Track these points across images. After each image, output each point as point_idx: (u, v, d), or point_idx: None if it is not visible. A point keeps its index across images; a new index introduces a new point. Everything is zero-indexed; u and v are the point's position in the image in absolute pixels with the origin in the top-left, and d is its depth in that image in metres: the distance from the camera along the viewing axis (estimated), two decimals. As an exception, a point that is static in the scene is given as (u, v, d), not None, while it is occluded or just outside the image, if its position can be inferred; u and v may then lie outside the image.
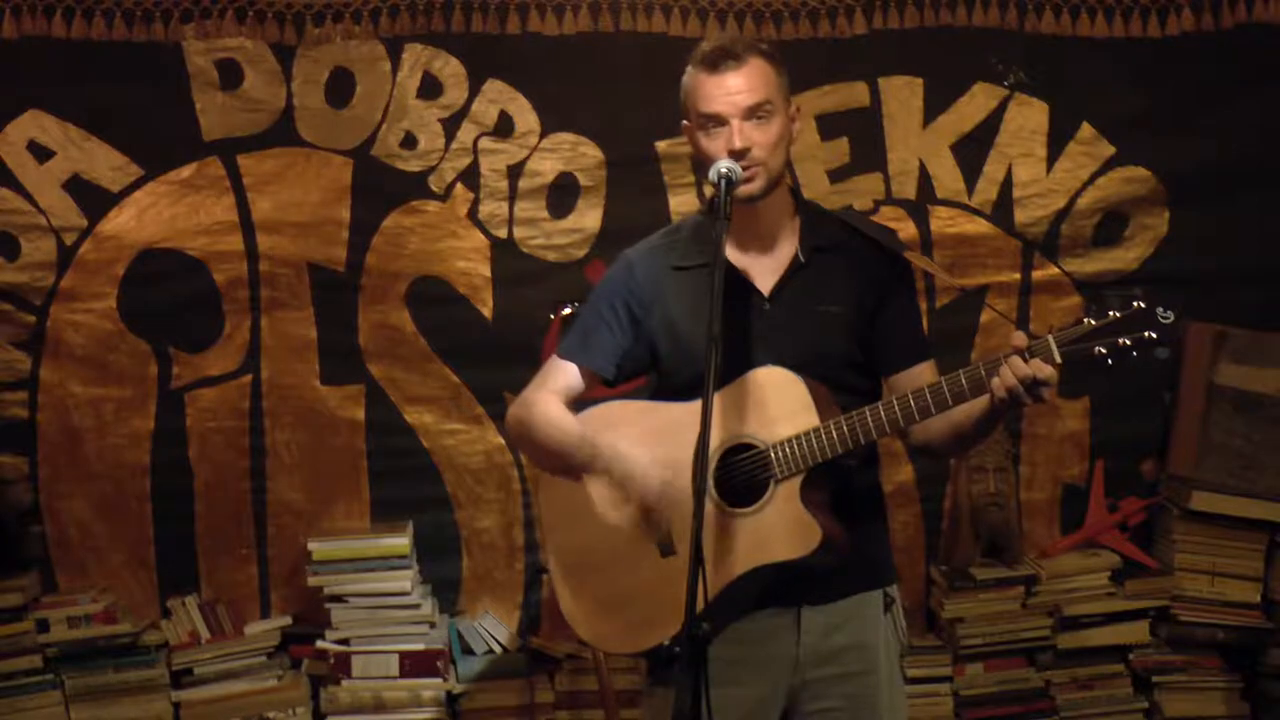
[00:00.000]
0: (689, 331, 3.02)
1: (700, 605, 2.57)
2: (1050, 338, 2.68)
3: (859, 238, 3.10)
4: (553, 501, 3.16)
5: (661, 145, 4.79)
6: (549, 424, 3.08)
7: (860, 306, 3.04)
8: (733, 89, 2.90)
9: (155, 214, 4.74)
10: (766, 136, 2.92)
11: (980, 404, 2.79)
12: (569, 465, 3.06)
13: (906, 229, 4.84)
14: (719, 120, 2.91)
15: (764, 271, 3.04)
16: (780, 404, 2.91)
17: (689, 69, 2.99)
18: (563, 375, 3.14)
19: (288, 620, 4.84)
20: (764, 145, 2.92)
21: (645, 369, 3.15)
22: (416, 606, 4.69)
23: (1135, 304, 2.64)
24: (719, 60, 2.92)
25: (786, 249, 3.06)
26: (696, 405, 2.87)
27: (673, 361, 3.07)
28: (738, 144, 2.88)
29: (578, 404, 3.14)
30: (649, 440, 3.01)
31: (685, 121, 3.01)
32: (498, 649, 4.78)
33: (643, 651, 3.05)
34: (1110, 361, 2.65)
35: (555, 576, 3.15)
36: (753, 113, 2.91)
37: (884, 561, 3.17)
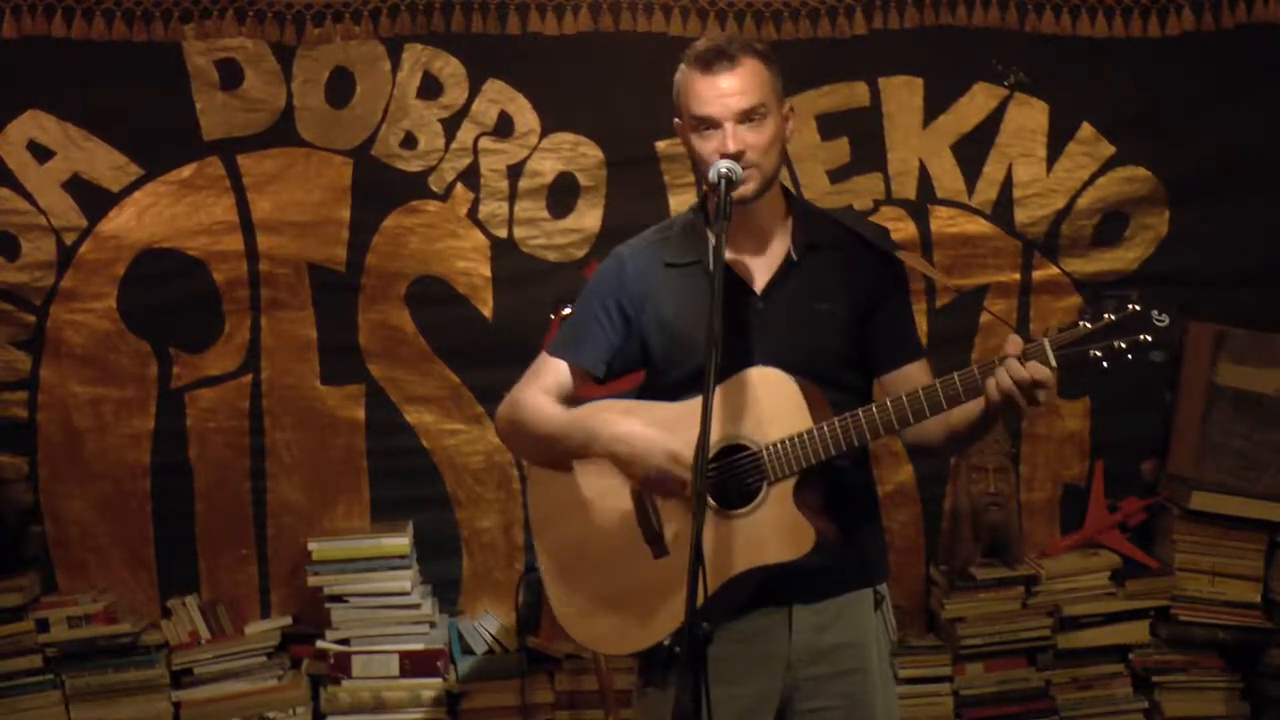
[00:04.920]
0: (681, 329, 3.01)
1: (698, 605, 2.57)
2: (1046, 341, 2.68)
3: (852, 237, 3.09)
4: (542, 502, 3.14)
5: (661, 145, 4.79)
6: (539, 413, 3.07)
7: (853, 305, 3.03)
8: (726, 91, 2.88)
9: (155, 214, 4.75)
10: (760, 138, 2.91)
11: (974, 407, 2.79)
12: (565, 450, 3.05)
13: (906, 229, 4.85)
14: (712, 123, 2.90)
15: (757, 270, 3.03)
16: (773, 405, 2.91)
17: (682, 67, 2.97)
18: (552, 373, 3.12)
19: (288, 620, 4.84)
20: (757, 147, 2.90)
21: (636, 367, 3.14)
22: (416, 606, 4.69)
23: (1131, 307, 2.63)
24: (713, 60, 2.90)
25: (779, 247, 3.05)
26: (687, 405, 2.88)
27: (665, 359, 3.06)
28: (731, 148, 2.87)
29: (568, 402, 3.13)
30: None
31: (676, 120, 3.01)
32: (497, 649, 4.78)
33: (635, 652, 3.04)
34: (1106, 365, 2.64)
35: (546, 577, 3.14)
36: (746, 116, 2.89)
37: (875, 560, 3.16)
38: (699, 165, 2.96)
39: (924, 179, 4.88)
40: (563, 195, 4.84)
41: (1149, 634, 4.83)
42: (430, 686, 4.68)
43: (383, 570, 4.68)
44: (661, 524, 2.97)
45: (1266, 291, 4.88)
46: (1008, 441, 4.90)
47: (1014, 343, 2.69)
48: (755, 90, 2.90)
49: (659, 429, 2.93)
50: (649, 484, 2.94)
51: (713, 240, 2.93)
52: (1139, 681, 4.84)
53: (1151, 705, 4.82)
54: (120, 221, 4.74)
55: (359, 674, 4.67)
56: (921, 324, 4.70)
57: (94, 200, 4.73)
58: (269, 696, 4.72)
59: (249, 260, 4.79)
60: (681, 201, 4.77)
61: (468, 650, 4.78)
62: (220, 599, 4.84)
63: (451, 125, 4.80)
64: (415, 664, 4.66)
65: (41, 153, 4.70)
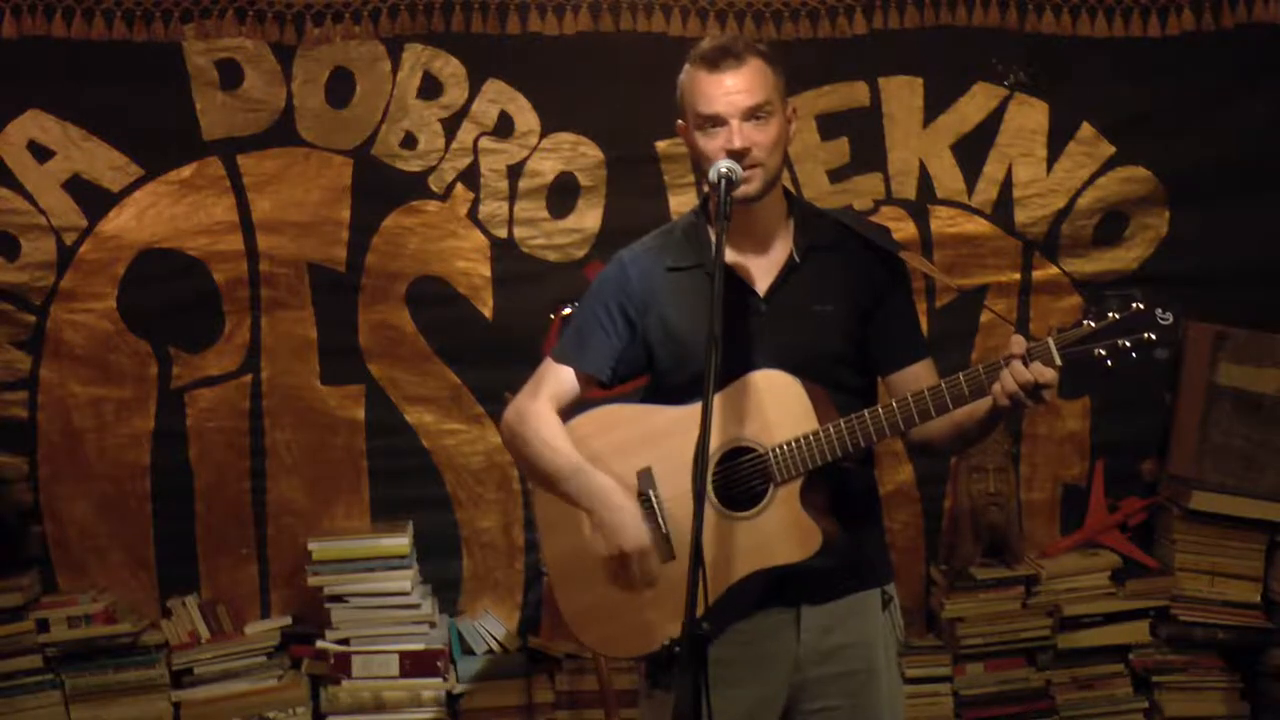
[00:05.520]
0: (685, 332, 3.02)
1: (701, 608, 2.57)
2: (1050, 340, 2.69)
3: (854, 237, 3.10)
4: (550, 504, 3.14)
5: (661, 145, 4.79)
6: (543, 445, 3.08)
7: (856, 306, 3.04)
8: (732, 89, 2.89)
9: (155, 214, 4.74)
10: (765, 137, 2.92)
11: (981, 405, 2.80)
12: (557, 491, 3.08)
13: (906, 229, 4.85)
14: (718, 120, 2.91)
15: (759, 272, 3.04)
16: (779, 407, 2.91)
17: (686, 67, 2.98)
18: (557, 379, 3.13)
19: (288, 620, 4.84)
20: (762, 146, 2.91)
21: (641, 371, 3.14)
22: (416, 606, 4.69)
23: (1135, 305, 2.65)
24: (719, 59, 2.91)
25: (781, 249, 3.06)
26: (691, 409, 2.87)
27: (669, 363, 3.07)
28: (737, 144, 2.88)
29: (574, 407, 3.14)
30: (646, 444, 3.01)
31: (680, 121, 3.01)
32: (498, 649, 4.78)
33: (643, 655, 3.04)
34: (1110, 363, 2.66)
35: (553, 579, 3.15)
36: (752, 113, 2.90)
37: (881, 560, 3.17)
38: (702, 165, 2.96)
39: (924, 179, 4.89)
40: (563, 195, 4.84)
41: (1149, 634, 4.84)
42: (430, 686, 4.67)
43: (382, 570, 4.67)
44: (668, 527, 2.97)
45: (1266, 291, 4.88)
46: (1008, 441, 4.90)
47: (1018, 342, 2.69)
48: (761, 88, 2.91)
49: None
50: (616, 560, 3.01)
51: (713, 240, 2.93)
52: (1139, 681, 4.85)
53: (1151, 705, 4.82)
54: (120, 221, 4.73)
55: (359, 674, 4.66)
56: (922, 324, 4.70)
57: (94, 200, 4.72)
58: (269, 696, 4.71)
59: (249, 260, 4.78)
60: (682, 201, 4.77)
61: (468, 650, 4.79)
62: (220, 599, 4.84)
63: (451, 125, 4.80)
64: (415, 664, 4.66)
65: (41, 153, 4.70)
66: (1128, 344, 2.64)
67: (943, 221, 4.89)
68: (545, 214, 4.84)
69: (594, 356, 3.11)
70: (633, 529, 2.97)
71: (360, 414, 4.87)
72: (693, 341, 2.96)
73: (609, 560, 3.00)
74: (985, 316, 4.89)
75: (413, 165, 4.80)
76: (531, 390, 3.16)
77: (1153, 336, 2.64)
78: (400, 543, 4.70)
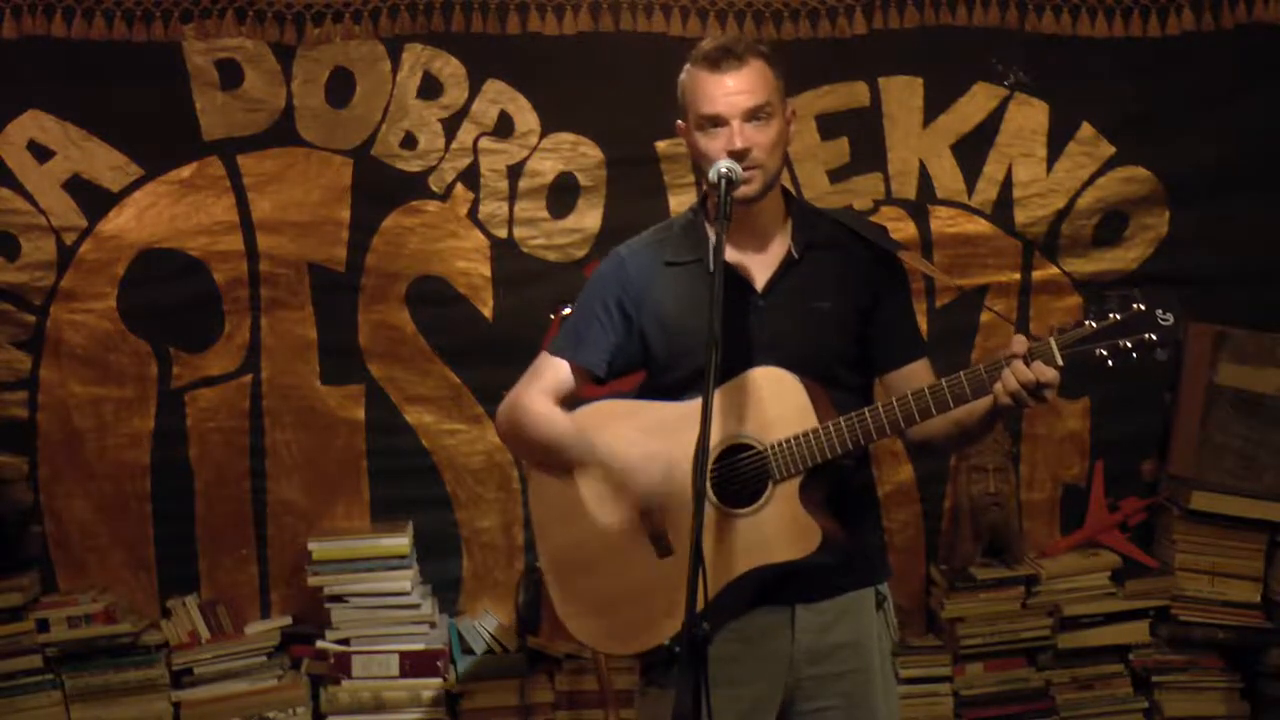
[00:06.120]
0: (682, 328, 3.01)
1: (700, 605, 2.57)
2: (1052, 340, 2.69)
3: (852, 236, 3.10)
4: (544, 501, 3.14)
5: (661, 145, 4.79)
6: (540, 420, 3.09)
7: (854, 303, 3.03)
8: (733, 90, 2.89)
9: (155, 214, 4.74)
10: (765, 138, 2.92)
11: (982, 403, 2.80)
12: (562, 461, 3.07)
13: (906, 229, 4.85)
14: (719, 120, 2.91)
15: (757, 268, 3.03)
16: (778, 404, 2.91)
17: (688, 67, 2.98)
18: (553, 373, 3.13)
19: (288, 620, 4.84)
20: (763, 146, 2.92)
21: (637, 366, 3.14)
22: (416, 606, 4.69)
23: (1135, 306, 2.66)
24: (720, 59, 2.92)
25: (779, 246, 3.05)
26: (689, 405, 2.87)
27: (666, 358, 3.06)
28: (738, 144, 2.88)
29: (569, 403, 3.13)
30: (644, 440, 3.00)
31: (680, 121, 3.01)
32: (497, 649, 4.78)
33: (639, 652, 3.04)
34: (1111, 364, 2.66)
35: (548, 577, 3.14)
36: (753, 115, 2.90)
37: (877, 559, 3.16)
38: (702, 165, 2.96)
39: (924, 179, 4.89)
40: (563, 195, 4.84)
41: (1149, 634, 4.83)
42: (430, 686, 4.67)
43: (382, 570, 4.68)
44: (666, 522, 2.97)
45: (1266, 291, 4.89)
46: (1008, 441, 4.90)
47: (1019, 342, 2.70)
48: (762, 89, 2.91)
49: (653, 441, 2.96)
50: (643, 507, 2.98)
51: (713, 239, 2.93)
52: (1139, 681, 4.85)
53: (1151, 705, 4.82)
54: (120, 221, 4.74)
55: (359, 674, 4.66)
56: (921, 323, 4.68)
57: (94, 200, 4.73)
58: (269, 696, 4.71)
59: (249, 260, 4.79)
60: (681, 201, 4.77)
61: (468, 650, 4.78)
62: (220, 599, 4.84)
63: (451, 125, 4.80)
64: (415, 664, 4.66)
65: (41, 153, 4.70)
66: (1129, 344, 2.65)
67: (943, 221, 4.89)
68: (545, 214, 4.84)
69: (590, 350, 3.11)
70: (650, 473, 2.95)
71: (360, 414, 4.87)
72: (690, 336, 2.96)
73: (632, 514, 3.00)
74: (985, 316, 4.89)
75: (413, 165, 4.80)
76: (526, 383, 3.16)
77: (1153, 337, 2.65)
78: (400, 543, 4.70)
